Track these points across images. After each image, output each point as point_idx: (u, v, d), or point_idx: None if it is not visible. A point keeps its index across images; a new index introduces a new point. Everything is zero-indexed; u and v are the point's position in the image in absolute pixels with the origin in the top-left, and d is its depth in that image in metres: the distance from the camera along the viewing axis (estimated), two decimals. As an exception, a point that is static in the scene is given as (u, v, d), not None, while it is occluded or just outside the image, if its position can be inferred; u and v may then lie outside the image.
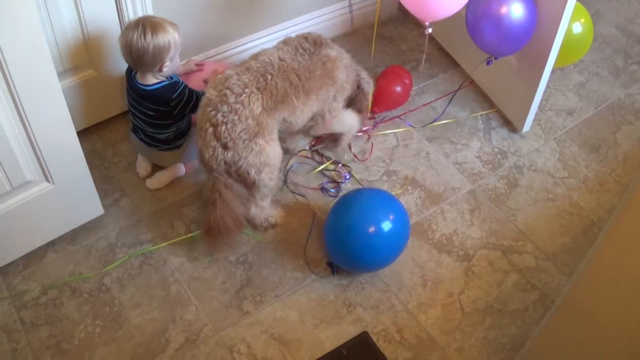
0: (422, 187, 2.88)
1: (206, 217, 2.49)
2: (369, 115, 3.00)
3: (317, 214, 2.75)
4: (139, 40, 2.40)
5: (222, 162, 2.39)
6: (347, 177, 2.87)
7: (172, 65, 2.52)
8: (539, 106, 3.05)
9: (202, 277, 2.57)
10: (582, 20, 3.03)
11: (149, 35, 2.40)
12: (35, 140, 2.19)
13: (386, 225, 2.44)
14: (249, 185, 2.49)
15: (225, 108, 2.33)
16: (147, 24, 2.42)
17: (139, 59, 2.45)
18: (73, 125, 2.28)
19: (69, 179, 2.40)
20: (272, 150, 2.44)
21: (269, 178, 2.48)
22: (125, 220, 2.69)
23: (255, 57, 2.49)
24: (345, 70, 2.64)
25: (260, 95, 2.36)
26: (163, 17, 2.49)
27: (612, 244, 1.76)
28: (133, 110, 2.65)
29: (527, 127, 3.09)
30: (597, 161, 3.05)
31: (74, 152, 2.35)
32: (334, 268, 2.58)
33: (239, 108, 2.33)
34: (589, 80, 3.42)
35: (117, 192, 2.77)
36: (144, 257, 2.60)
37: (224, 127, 2.33)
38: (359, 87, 2.78)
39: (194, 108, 2.58)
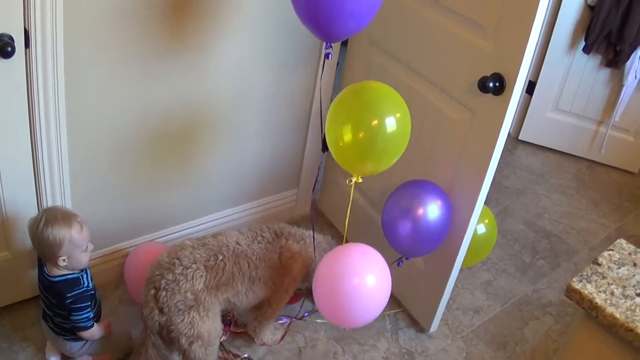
0: (329, 389, 2.89)
1: None
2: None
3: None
4: (33, 227, 2.43)
5: (157, 324, 2.51)
6: (256, 375, 2.87)
7: (72, 262, 2.49)
8: (446, 306, 3.13)
9: None
10: (486, 221, 3.16)
11: (41, 227, 2.41)
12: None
13: None
14: (182, 355, 2.58)
15: (170, 276, 2.50)
16: (45, 215, 2.43)
17: (35, 246, 2.49)
18: (-17, 306, 2.27)
19: (-26, 362, 2.37)
20: (206, 326, 2.53)
21: (201, 352, 2.55)
22: (31, 409, 2.63)
23: (215, 235, 2.67)
24: (304, 262, 2.81)
25: (205, 273, 2.52)
26: (72, 213, 2.51)
27: None
28: (42, 296, 2.64)
29: (434, 327, 3.15)
30: (505, 358, 3.11)
31: (-19, 334, 2.33)
32: None
33: (182, 280, 2.49)
34: (496, 278, 3.54)
35: (24, 379, 2.72)
36: None
37: (164, 292, 2.49)
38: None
39: (86, 310, 2.56)
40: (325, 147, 3.54)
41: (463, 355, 3.10)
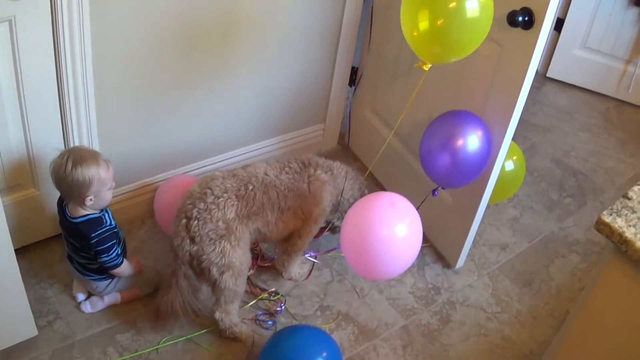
0: (356, 323, 2.90)
1: (158, 298, 2.63)
2: None
3: (252, 349, 2.74)
4: (59, 170, 2.43)
5: (188, 254, 2.53)
6: (282, 307, 2.89)
7: (98, 200, 2.52)
8: (473, 242, 3.13)
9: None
10: (515, 158, 3.14)
11: (68, 167, 2.41)
12: (-29, 256, 2.19)
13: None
14: (212, 285, 2.61)
15: (202, 205, 2.51)
16: (71, 156, 2.43)
17: (60, 188, 2.50)
18: (11, 243, 2.28)
19: (4, 297, 2.38)
20: (237, 255, 2.55)
21: (232, 282, 2.57)
22: (59, 343, 2.66)
23: (245, 167, 2.69)
24: (333, 193, 2.82)
25: (236, 202, 2.54)
26: (95, 151, 2.53)
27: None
28: (65, 239, 2.67)
29: (460, 262, 3.16)
30: (530, 295, 3.12)
31: (10, 270, 2.34)
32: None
33: (213, 209, 2.50)
34: (522, 215, 3.52)
35: (51, 314, 2.75)
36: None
37: (195, 222, 2.50)
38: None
39: (113, 249, 2.59)
40: (352, 81, 3.53)
41: (489, 292, 3.11)
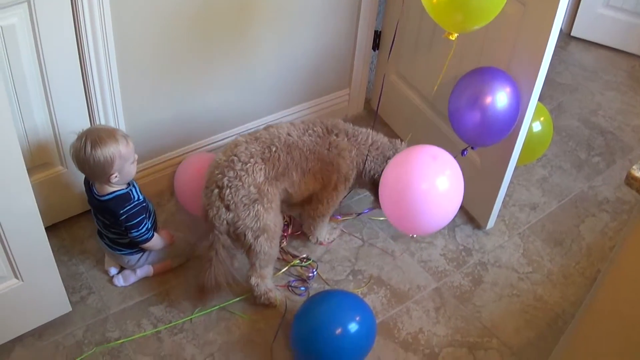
0: (388, 286, 2.91)
1: (201, 274, 2.63)
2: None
3: (285, 315, 2.75)
4: (80, 152, 2.43)
5: (224, 222, 2.55)
6: (314, 273, 2.90)
7: (123, 176, 2.51)
8: (503, 202, 3.11)
9: (169, 377, 2.57)
10: (542, 119, 3.10)
11: (88, 149, 2.40)
12: (4, 235, 2.21)
13: (353, 327, 2.47)
14: (247, 250, 2.64)
15: (231, 173, 2.53)
16: (89, 137, 2.42)
17: (84, 170, 2.50)
18: (42, 221, 2.29)
19: (37, 276, 2.41)
20: (271, 217, 2.58)
21: (267, 245, 2.60)
22: (93, 317, 2.69)
23: (267, 128, 2.70)
24: (355, 160, 2.79)
25: (263, 166, 2.56)
26: (112, 128, 2.52)
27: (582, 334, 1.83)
28: (94, 215, 2.68)
29: (491, 223, 3.15)
30: (561, 254, 3.10)
31: (42, 248, 2.36)
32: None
33: (243, 175, 2.52)
34: (552, 175, 3.50)
35: (84, 289, 2.78)
36: (110, 356, 2.59)
37: (228, 190, 2.52)
38: None
39: (142, 223, 2.61)
40: (376, 45, 3.50)
41: (520, 252, 3.09)
